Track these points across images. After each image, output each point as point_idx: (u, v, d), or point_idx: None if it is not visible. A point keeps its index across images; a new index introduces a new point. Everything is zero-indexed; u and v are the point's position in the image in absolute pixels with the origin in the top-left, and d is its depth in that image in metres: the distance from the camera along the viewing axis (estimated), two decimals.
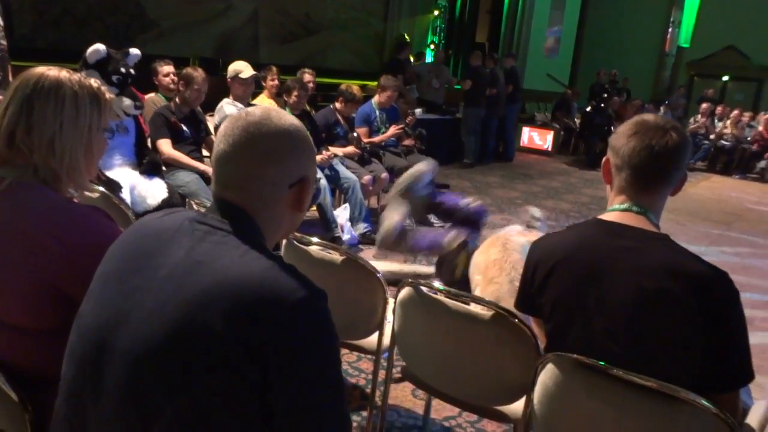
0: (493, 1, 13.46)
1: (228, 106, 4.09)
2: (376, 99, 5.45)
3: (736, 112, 11.68)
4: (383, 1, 11.72)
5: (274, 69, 4.89)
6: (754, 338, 1.38)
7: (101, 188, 2.37)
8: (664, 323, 1.37)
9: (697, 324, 1.35)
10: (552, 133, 11.24)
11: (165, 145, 3.75)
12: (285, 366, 0.89)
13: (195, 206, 2.69)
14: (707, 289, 1.36)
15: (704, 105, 11.73)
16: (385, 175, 5.19)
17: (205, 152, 4.03)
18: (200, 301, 0.91)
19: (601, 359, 1.41)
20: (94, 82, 1.40)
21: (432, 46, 12.45)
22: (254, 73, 4.13)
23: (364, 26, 11.41)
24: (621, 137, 1.51)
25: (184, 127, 3.81)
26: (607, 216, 1.54)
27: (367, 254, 4.31)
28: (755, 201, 8.66)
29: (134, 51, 3.29)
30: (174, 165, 3.77)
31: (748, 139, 11.18)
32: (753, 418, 1.70)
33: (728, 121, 11.49)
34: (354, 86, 5.27)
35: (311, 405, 0.93)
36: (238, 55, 6.31)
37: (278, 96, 4.82)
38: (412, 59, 9.94)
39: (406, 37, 11.59)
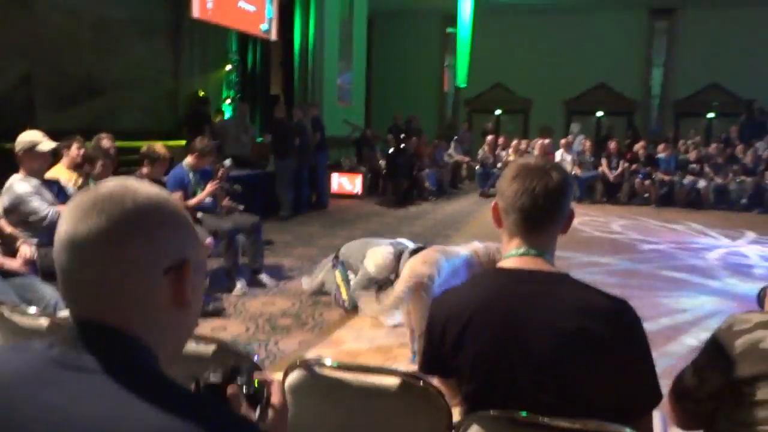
0: (283, 53, 13.61)
1: (20, 183, 3.50)
2: (188, 161, 5.09)
3: (515, 141, 13.03)
4: (173, 58, 11.24)
5: (80, 138, 4.33)
6: None
7: None
8: (587, 361, 1.37)
9: (614, 355, 1.37)
10: (360, 176, 11.56)
11: None
12: None
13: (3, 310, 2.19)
14: (617, 321, 1.40)
15: (489, 137, 12.93)
16: (209, 240, 4.84)
17: None
18: None
19: (531, 411, 1.35)
20: None
21: (228, 101, 12.20)
22: (55, 144, 3.60)
23: (154, 85, 10.80)
24: (504, 181, 1.50)
25: None
26: (506, 263, 1.50)
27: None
28: None
29: None
30: None
31: None
32: None
33: (510, 150, 12.77)
34: (156, 144, 4.90)
35: None
36: (10, 122, 5.55)
37: (78, 167, 4.27)
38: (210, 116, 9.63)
39: (201, 93, 11.22)
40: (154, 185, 0.88)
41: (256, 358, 1.77)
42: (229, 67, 12.62)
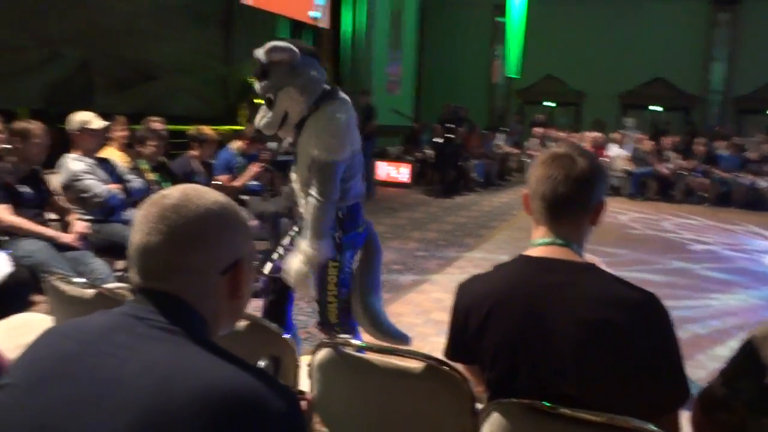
0: (332, 43, 13.69)
1: (74, 162, 3.65)
2: (237, 145, 5.20)
3: (563, 134, 12.78)
4: (223, 44, 11.46)
5: (122, 119, 4.47)
6: None
7: None
8: (610, 353, 1.34)
9: (638, 349, 1.33)
10: (410, 165, 11.64)
11: (1, 212, 3.24)
12: None
13: (51, 279, 2.30)
14: (643, 314, 1.36)
15: (538, 129, 12.71)
16: (254, 222, 4.93)
17: (52, 215, 3.57)
18: (178, 413, 0.80)
19: (553, 401, 1.34)
20: None
21: None
22: (106, 123, 3.73)
23: (206, 70, 11.05)
24: (532, 168, 1.50)
25: (25, 189, 3.33)
26: (532, 252, 1.49)
27: None
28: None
29: None
30: (14, 233, 3.26)
31: None
32: None
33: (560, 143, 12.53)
34: (204, 127, 5.03)
35: None
36: (70, 105, 5.76)
37: (129, 147, 4.41)
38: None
39: (250, 80, 11.39)
40: (214, 191, 1.03)
41: (286, 335, 1.81)
42: None
